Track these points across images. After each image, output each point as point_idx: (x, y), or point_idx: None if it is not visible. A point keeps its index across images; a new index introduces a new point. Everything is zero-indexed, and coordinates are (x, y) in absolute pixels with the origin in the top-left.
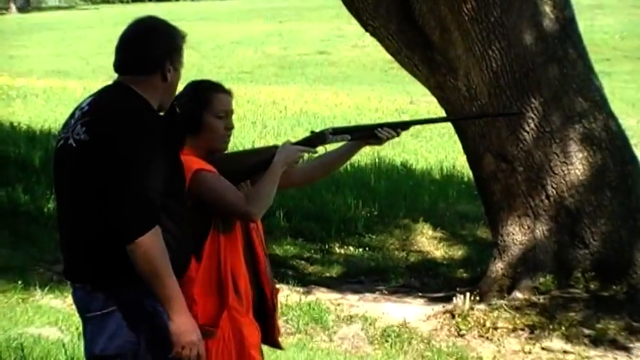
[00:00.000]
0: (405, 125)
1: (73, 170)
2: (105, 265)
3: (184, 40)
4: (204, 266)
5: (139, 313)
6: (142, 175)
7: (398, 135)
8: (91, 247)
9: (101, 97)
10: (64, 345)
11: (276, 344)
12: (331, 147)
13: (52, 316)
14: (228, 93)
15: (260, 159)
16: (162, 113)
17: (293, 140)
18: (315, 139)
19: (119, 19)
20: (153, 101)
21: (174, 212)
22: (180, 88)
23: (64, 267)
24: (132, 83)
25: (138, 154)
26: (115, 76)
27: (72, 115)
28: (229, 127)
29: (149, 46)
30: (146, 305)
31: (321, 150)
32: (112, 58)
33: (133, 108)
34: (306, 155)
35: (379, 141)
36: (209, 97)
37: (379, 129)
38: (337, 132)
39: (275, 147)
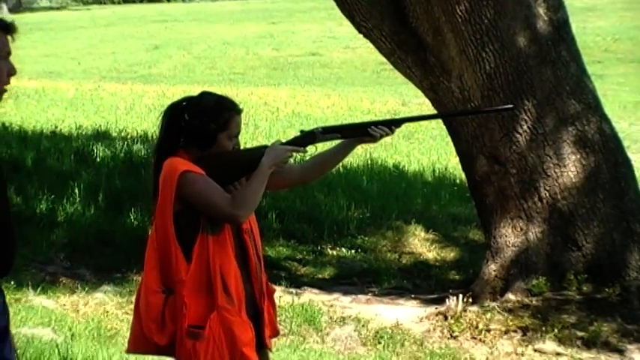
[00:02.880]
0: (397, 123)
1: None
2: None
3: None
4: (194, 268)
5: None
6: None
7: (392, 132)
8: None
9: None
10: (57, 345)
11: (264, 345)
12: (324, 148)
13: (45, 316)
14: (241, 113)
15: (249, 159)
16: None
17: (283, 140)
18: (305, 138)
19: (110, 19)
20: None
21: None
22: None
23: None
24: None
25: None
26: (106, 77)
27: None
28: (236, 147)
29: None
30: None
31: (311, 150)
32: (104, 59)
33: None
34: (298, 156)
35: (373, 139)
36: (228, 118)
37: (373, 127)
38: (327, 131)
39: (265, 147)
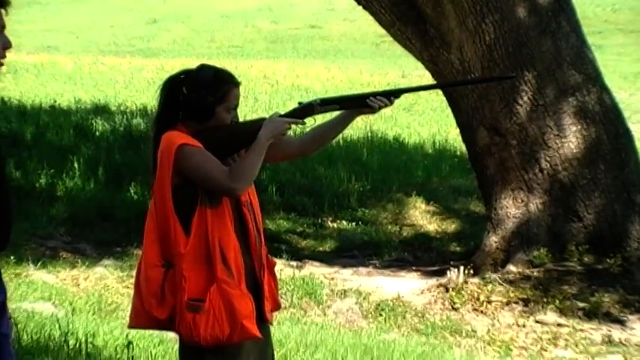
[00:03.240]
0: (396, 93)
1: None
2: None
3: None
4: (193, 241)
5: None
6: None
7: (391, 103)
8: None
9: None
10: (57, 320)
11: (264, 318)
12: (323, 120)
13: (45, 291)
14: (239, 85)
15: (247, 132)
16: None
17: (282, 113)
18: (303, 110)
19: None
20: None
21: None
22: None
23: None
24: None
25: None
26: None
27: None
28: (234, 120)
29: None
30: None
31: (310, 122)
32: (102, 33)
33: None
34: (297, 128)
35: (372, 110)
36: (227, 91)
37: (371, 98)
38: (325, 103)
39: (262, 120)
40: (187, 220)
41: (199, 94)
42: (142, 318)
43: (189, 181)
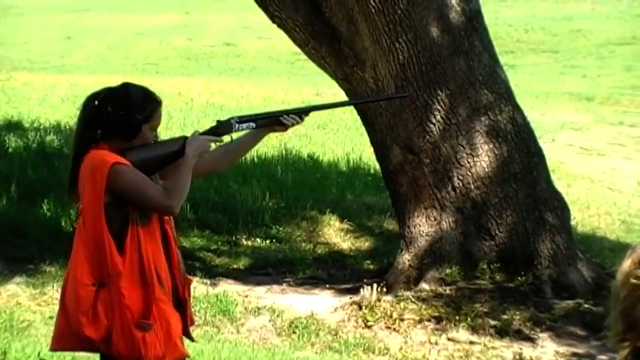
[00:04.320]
0: (307, 111)
1: None
2: None
3: None
4: (128, 260)
5: None
6: None
7: (302, 120)
8: None
9: None
10: None
11: (188, 336)
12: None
13: None
14: (162, 104)
15: (169, 150)
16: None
17: (201, 130)
18: (222, 128)
19: (22, 9)
20: None
21: None
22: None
23: None
24: None
25: None
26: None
27: None
28: (156, 139)
29: None
30: None
31: (226, 139)
32: (16, 49)
33: None
34: (213, 145)
35: (284, 127)
36: (153, 109)
37: (284, 116)
38: (243, 120)
39: (184, 138)
40: (119, 239)
41: (128, 113)
42: (67, 339)
43: (119, 200)
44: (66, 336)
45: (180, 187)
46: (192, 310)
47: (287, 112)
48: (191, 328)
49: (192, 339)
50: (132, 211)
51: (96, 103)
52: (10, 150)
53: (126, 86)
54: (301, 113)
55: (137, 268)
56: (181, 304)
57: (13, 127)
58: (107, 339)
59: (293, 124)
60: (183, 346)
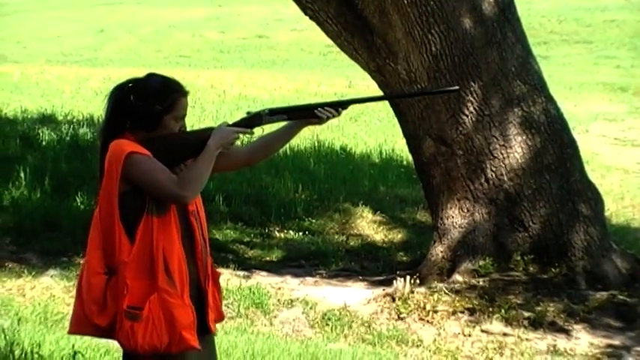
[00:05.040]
0: (344, 104)
1: None
2: None
3: None
4: (137, 249)
5: None
6: None
7: (339, 114)
8: None
9: None
10: (3, 330)
11: (207, 327)
12: (271, 129)
13: None
14: (187, 94)
15: (195, 141)
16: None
17: (230, 122)
18: (252, 120)
19: (55, 3)
20: None
21: None
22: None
23: None
24: None
25: None
26: (52, 60)
27: None
28: (182, 129)
29: None
30: None
31: (258, 131)
32: (49, 43)
33: None
34: (245, 138)
35: (320, 120)
36: (175, 100)
37: (319, 108)
38: (274, 113)
39: (211, 129)
40: (132, 228)
41: (147, 103)
42: (82, 324)
43: (137, 189)
44: (81, 321)
45: (194, 177)
46: (225, 302)
47: (320, 105)
48: (223, 322)
49: (210, 330)
50: (148, 201)
51: (120, 94)
52: (43, 143)
53: (147, 77)
54: (338, 106)
55: (146, 257)
56: (202, 296)
57: (47, 120)
58: (113, 327)
59: (329, 118)
60: (194, 337)
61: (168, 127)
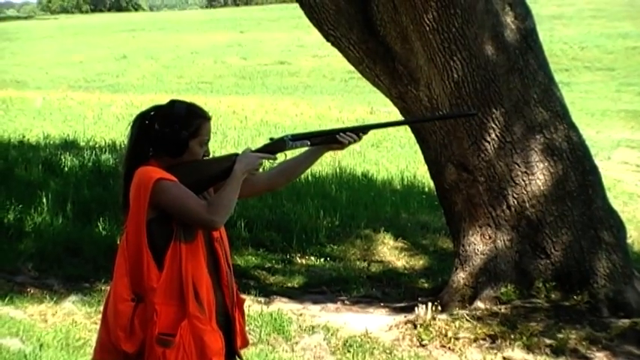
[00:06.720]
0: (364, 129)
1: None
2: None
3: None
4: (166, 275)
5: None
6: None
7: (360, 138)
8: None
9: None
10: (25, 356)
11: (236, 354)
12: (293, 155)
13: (12, 326)
14: (210, 119)
15: (220, 167)
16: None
17: (253, 148)
18: (275, 145)
19: (78, 29)
20: None
21: None
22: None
23: None
24: None
25: None
26: (74, 86)
27: None
28: (207, 155)
29: None
30: None
31: (281, 157)
32: (72, 69)
33: None
34: (267, 163)
35: (341, 145)
36: (199, 124)
37: (341, 134)
38: (296, 138)
39: (235, 155)
40: (160, 254)
41: (173, 129)
42: (107, 351)
43: (165, 216)
44: (106, 348)
45: (223, 202)
46: (247, 328)
47: (342, 130)
48: (244, 349)
49: (237, 356)
50: (176, 227)
51: (144, 121)
52: (65, 169)
53: (171, 103)
54: (359, 131)
55: (175, 283)
56: (229, 322)
57: (69, 146)
58: (141, 353)
59: (350, 143)
60: None
61: (193, 152)
